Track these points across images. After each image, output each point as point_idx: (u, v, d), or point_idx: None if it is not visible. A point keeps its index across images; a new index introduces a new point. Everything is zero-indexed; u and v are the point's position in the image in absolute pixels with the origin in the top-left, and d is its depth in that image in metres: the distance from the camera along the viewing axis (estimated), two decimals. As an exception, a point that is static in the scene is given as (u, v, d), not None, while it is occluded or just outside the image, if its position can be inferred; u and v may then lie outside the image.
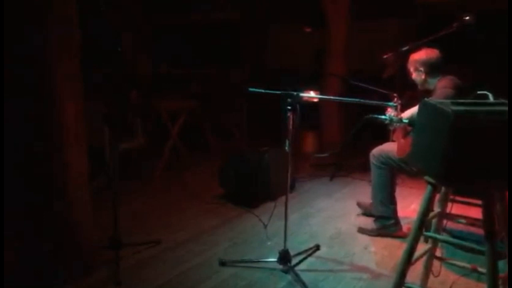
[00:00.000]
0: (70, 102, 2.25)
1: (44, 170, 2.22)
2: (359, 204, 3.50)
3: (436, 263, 2.18)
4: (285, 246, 2.50)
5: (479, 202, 1.80)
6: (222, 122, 5.97)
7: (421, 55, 2.85)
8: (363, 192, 3.97)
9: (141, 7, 6.35)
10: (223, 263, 2.56)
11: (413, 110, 2.77)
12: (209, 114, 5.69)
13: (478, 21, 3.14)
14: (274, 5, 7.26)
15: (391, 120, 2.63)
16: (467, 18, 3.12)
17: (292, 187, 4.05)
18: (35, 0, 2.09)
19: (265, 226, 3.09)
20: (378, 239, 2.99)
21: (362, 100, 2.61)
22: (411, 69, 2.92)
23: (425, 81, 2.87)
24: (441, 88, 2.69)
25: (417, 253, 1.94)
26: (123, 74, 4.50)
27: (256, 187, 3.63)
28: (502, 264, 1.80)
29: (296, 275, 2.40)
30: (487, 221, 1.74)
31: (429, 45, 2.96)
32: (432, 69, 2.82)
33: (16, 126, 2.14)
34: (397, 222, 3.03)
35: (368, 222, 3.16)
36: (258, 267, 2.55)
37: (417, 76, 2.90)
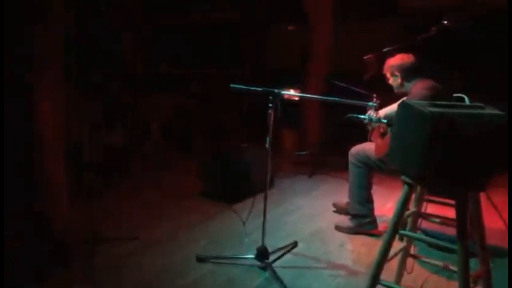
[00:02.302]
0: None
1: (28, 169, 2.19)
2: (334, 205, 3.55)
3: (410, 260, 2.23)
4: (263, 242, 2.51)
5: (453, 202, 1.85)
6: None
7: (396, 60, 2.96)
8: (341, 190, 4.01)
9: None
10: (201, 260, 2.56)
11: (389, 108, 2.84)
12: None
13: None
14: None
15: (370, 119, 2.68)
16: (446, 22, 3.19)
17: (272, 184, 4.07)
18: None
19: (244, 223, 3.10)
20: (355, 236, 3.04)
21: (341, 99, 2.65)
22: (388, 74, 3.02)
23: (401, 85, 2.98)
24: (417, 89, 2.77)
25: (392, 251, 1.98)
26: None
27: (236, 184, 3.63)
28: (473, 263, 1.86)
29: (274, 271, 2.41)
30: (460, 221, 1.79)
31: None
32: (407, 73, 2.93)
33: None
34: (373, 220, 3.08)
35: (346, 220, 3.20)
36: (236, 264, 2.55)
37: (393, 81, 3.01)
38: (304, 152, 4.86)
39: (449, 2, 5.64)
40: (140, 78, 5.14)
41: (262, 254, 2.50)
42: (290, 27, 7.17)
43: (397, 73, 2.95)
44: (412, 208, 2.09)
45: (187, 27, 7.68)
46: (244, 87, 2.56)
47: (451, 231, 1.94)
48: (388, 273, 2.23)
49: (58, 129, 2.32)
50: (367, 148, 3.09)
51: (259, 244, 2.52)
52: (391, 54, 3.05)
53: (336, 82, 3.46)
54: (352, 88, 3.32)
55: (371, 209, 3.09)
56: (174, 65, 6.59)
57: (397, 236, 1.94)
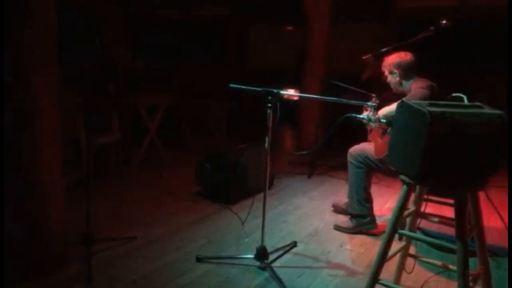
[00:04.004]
0: (46, 96, 2.21)
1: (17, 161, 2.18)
2: (334, 206, 3.54)
3: (409, 260, 2.23)
4: (262, 242, 2.51)
5: (452, 201, 1.85)
6: (205, 119, 5.97)
7: (395, 58, 2.95)
8: (340, 190, 4.02)
9: (122, 0, 6.27)
10: (199, 260, 2.55)
11: (388, 108, 2.84)
12: (191, 111, 5.67)
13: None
14: (260, 4, 7.25)
15: (369, 119, 2.68)
16: (444, 22, 3.20)
17: (271, 184, 4.07)
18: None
19: (243, 223, 3.09)
20: (354, 236, 3.03)
21: (340, 99, 2.65)
22: (386, 72, 3.01)
23: (399, 83, 2.96)
24: (416, 88, 2.76)
25: (392, 250, 1.98)
26: (102, 66, 4.43)
27: (234, 184, 3.63)
28: (472, 262, 1.86)
29: (273, 271, 2.41)
30: (459, 221, 1.79)
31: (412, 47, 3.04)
32: (406, 71, 2.92)
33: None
34: (372, 220, 3.08)
35: (345, 220, 3.20)
36: (235, 264, 2.55)
37: (391, 78, 2.99)
38: (303, 152, 4.87)
39: (445, 3, 5.67)
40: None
41: (262, 254, 2.49)
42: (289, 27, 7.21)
43: (395, 71, 2.94)
44: (411, 207, 2.09)
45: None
46: (243, 87, 2.56)
47: (451, 231, 1.94)
48: (388, 273, 2.24)
49: (56, 125, 2.31)
50: (366, 148, 3.09)
51: (258, 244, 2.51)
52: (390, 53, 3.05)
53: (336, 82, 3.46)
54: (352, 88, 3.33)
55: (370, 209, 3.09)
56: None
57: (396, 236, 1.94)
